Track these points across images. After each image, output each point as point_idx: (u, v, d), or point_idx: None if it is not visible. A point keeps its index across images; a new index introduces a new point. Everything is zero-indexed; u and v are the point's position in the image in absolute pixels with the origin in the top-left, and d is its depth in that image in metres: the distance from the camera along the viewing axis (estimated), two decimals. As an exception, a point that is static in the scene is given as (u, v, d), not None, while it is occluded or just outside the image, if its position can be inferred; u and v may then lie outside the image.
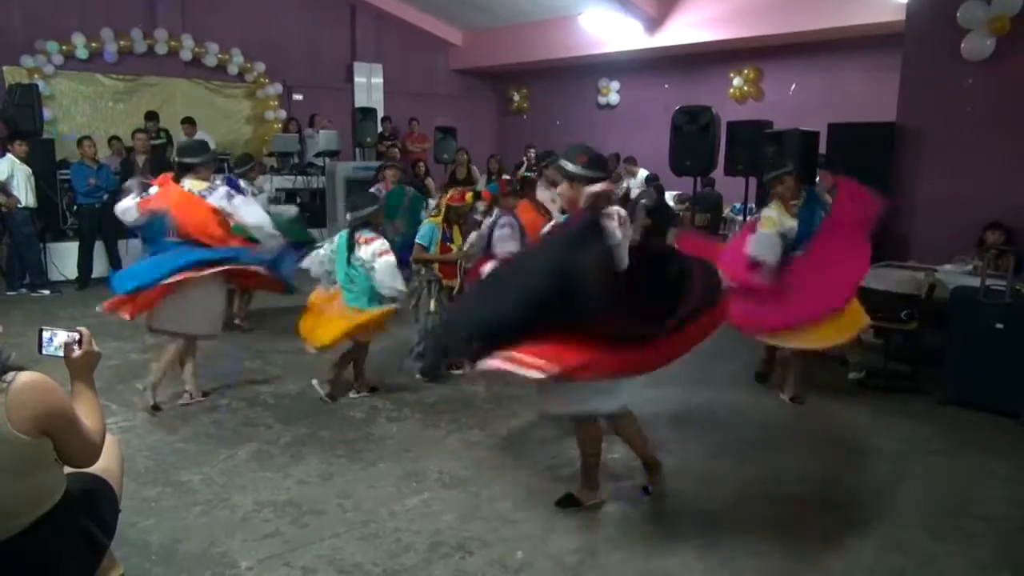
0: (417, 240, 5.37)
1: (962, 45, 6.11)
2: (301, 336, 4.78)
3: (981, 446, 4.36)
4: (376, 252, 4.66)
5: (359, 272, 4.70)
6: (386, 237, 4.89)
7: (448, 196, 5.52)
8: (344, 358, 4.94)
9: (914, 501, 3.67)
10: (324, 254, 4.96)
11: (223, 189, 4.74)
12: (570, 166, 3.38)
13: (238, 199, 4.77)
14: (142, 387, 4.67)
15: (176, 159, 4.73)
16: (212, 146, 5.91)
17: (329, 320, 4.71)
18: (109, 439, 2.31)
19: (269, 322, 6.88)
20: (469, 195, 5.55)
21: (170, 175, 4.73)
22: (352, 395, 4.96)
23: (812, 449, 4.29)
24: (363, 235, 4.74)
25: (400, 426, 4.53)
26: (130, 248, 8.88)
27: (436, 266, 5.33)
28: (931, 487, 3.84)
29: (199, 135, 10.42)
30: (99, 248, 8.67)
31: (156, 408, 4.59)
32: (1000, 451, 4.28)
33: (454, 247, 5.34)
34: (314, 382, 4.91)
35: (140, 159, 8.93)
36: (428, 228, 5.38)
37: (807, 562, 3.10)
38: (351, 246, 4.76)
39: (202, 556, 3.04)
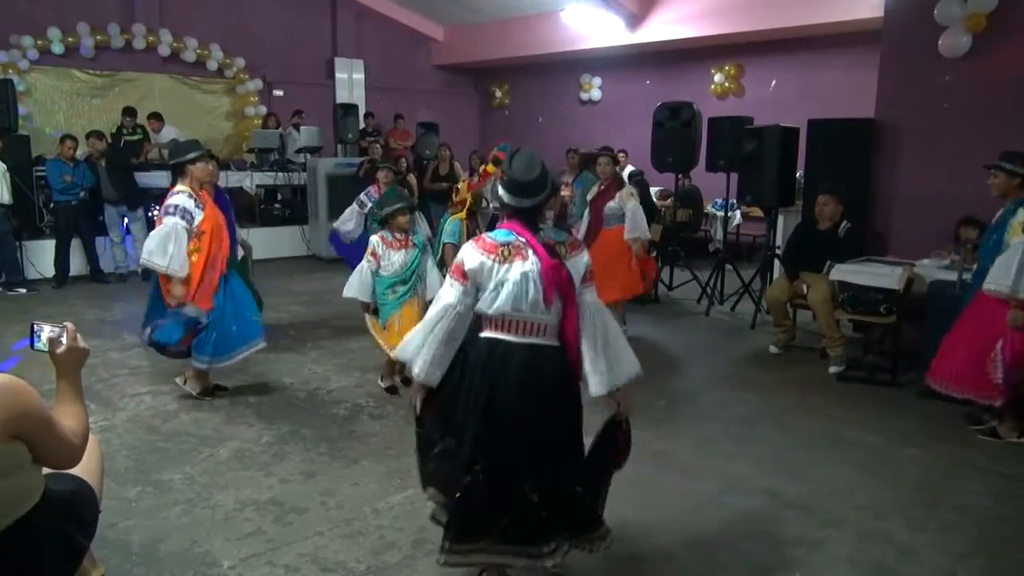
0: (446, 240, 5.10)
1: (939, 42, 6.18)
2: None
3: (958, 438, 4.42)
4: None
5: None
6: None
7: (467, 184, 5.31)
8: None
9: (893, 492, 3.72)
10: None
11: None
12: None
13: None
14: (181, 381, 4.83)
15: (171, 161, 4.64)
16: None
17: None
18: (89, 439, 2.27)
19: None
20: (491, 168, 5.24)
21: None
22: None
23: (792, 442, 4.33)
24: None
25: (383, 423, 4.51)
26: (107, 246, 8.81)
27: None
28: (909, 478, 3.89)
29: (166, 130, 10.30)
30: (76, 246, 8.57)
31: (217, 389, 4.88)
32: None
33: None
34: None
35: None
36: (455, 226, 5.07)
37: (787, 554, 3.13)
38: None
39: (184, 556, 3.02)
